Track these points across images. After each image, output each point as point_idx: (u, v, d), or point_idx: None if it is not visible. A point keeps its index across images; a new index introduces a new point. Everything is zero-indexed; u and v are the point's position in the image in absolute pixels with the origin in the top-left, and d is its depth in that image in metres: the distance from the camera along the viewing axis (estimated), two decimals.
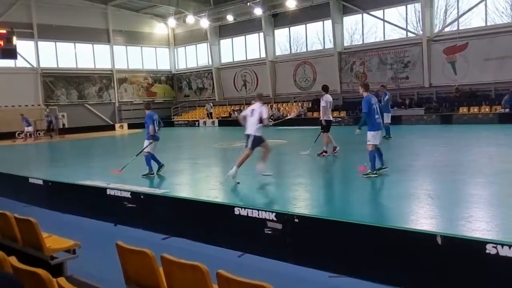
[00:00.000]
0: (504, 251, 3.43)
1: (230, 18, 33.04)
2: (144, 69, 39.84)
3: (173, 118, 38.94)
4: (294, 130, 24.61)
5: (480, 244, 3.57)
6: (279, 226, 5.31)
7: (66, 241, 4.63)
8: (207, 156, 15.70)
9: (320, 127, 12.92)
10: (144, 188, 8.82)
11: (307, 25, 31.74)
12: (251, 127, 9.42)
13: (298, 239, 5.20)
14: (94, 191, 8.67)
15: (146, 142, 10.79)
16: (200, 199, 7.34)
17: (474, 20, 24.75)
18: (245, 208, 5.66)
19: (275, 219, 5.34)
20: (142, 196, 7.65)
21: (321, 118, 12.81)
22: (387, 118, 16.04)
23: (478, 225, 5.68)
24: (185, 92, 41.19)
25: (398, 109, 25.20)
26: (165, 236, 6.83)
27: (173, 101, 41.18)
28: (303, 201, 7.96)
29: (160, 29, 40.15)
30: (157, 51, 40.59)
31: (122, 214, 7.80)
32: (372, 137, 9.33)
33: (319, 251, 5.07)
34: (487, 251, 3.51)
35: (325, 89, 13.00)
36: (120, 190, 7.99)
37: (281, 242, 5.30)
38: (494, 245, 3.49)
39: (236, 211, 5.73)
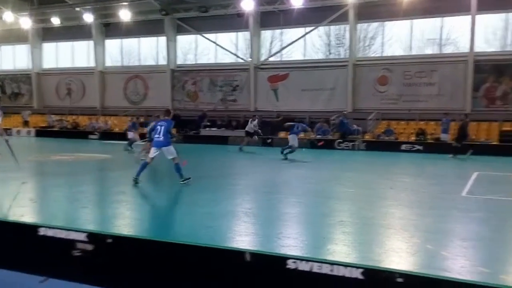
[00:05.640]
0: (302, 266, 3.73)
1: (56, 21, 30.49)
2: None
3: None
4: (119, 144, 23.72)
5: (282, 260, 3.82)
6: (90, 247, 4.93)
7: None
8: (18, 170, 13.98)
9: None
10: None
11: (141, 39, 31.21)
12: None
13: (111, 260, 4.90)
14: None
15: None
16: None
17: (295, 53, 27.38)
18: (51, 228, 5.14)
19: (86, 239, 4.95)
20: None
21: None
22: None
23: (286, 241, 6.14)
24: None
25: (226, 129, 26.32)
26: None
27: None
28: (122, 219, 7.62)
29: None
30: None
31: None
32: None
33: (134, 273, 4.83)
34: (287, 266, 3.77)
35: None
36: None
37: (91, 264, 4.93)
38: (294, 260, 3.76)
39: (41, 231, 5.15)
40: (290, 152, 17.10)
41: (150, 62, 31.49)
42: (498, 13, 22.27)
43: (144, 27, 29.54)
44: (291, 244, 6.00)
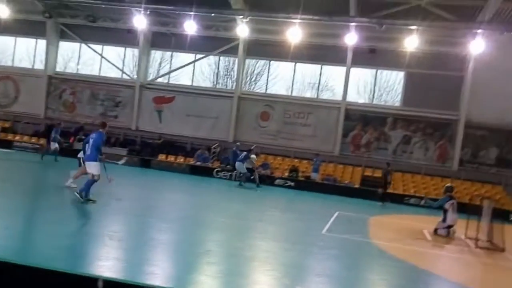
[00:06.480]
0: None
1: None
2: None
3: None
4: None
5: None
6: None
7: None
8: None
9: None
10: None
11: (18, 38, 28.78)
12: None
13: None
14: None
15: None
16: None
17: (183, 78, 27.40)
18: None
19: None
20: None
21: None
22: None
23: (151, 269, 5.98)
24: None
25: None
26: None
27: None
28: None
29: None
30: None
31: None
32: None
33: None
34: None
35: None
36: None
37: None
38: None
39: None
40: (246, 177, 19.39)
41: (26, 64, 29.09)
42: (369, 69, 24.77)
43: (23, 27, 27.31)
44: (155, 271, 5.86)
